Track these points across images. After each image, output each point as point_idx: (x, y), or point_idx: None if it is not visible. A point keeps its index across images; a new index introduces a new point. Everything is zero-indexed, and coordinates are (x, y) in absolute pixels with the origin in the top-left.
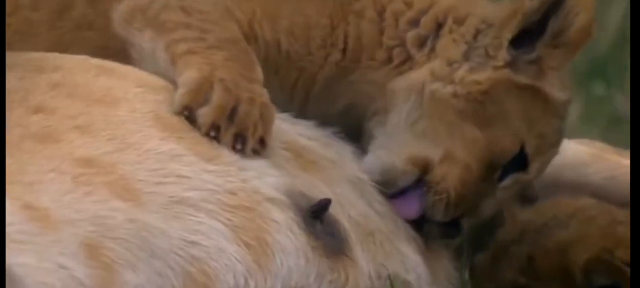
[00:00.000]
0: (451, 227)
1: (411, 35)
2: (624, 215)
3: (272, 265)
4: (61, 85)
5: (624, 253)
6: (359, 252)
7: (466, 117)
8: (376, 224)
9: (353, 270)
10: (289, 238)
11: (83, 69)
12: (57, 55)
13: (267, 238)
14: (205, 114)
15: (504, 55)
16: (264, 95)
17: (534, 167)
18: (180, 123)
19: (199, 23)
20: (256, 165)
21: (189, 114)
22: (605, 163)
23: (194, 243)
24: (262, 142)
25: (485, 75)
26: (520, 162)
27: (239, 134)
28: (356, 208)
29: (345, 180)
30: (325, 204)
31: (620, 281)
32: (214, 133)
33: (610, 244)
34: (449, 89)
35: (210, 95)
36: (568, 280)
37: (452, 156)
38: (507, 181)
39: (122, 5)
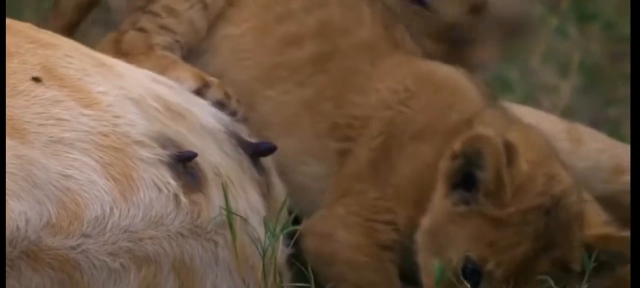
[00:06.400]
0: None
1: None
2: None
3: (135, 197)
4: None
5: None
6: (213, 189)
7: (429, 251)
8: (227, 166)
9: (206, 205)
10: (152, 175)
11: None
12: None
13: (133, 174)
14: None
15: (443, 204)
16: None
17: (494, 273)
18: (64, 73)
19: None
20: (129, 115)
21: None
22: None
23: (68, 176)
24: None
25: (431, 217)
26: (473, 272)
27: None
28: (211, 152)
29: (203, 127)
30: (191, 155)
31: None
32: None
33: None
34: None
35: None
36: None
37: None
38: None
39: None
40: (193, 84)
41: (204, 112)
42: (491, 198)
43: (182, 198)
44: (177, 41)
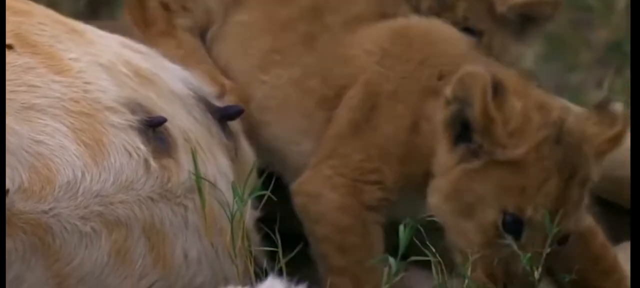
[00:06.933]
0: None
1: None
2: None
3: (106, 162)
4: None
5: None
6: (182, 154)
7: (458, 214)
8: (196, 131)
9: (176, 169)
10: (122, 140)
11: None
12: None
13: (103, 139)
14: None
15: (451, 158)
16: None
17: (535, 217)
18: (36, 40)
19: None
20: (100, 81)
21: None
22: None
23: (40, 141)
24: None
25: (447, 179)
26: (514, 223)
27: None
28: (180, 117)
29: (172, 93)
30: (161, 121)
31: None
32: None
33: None
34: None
35: None
36: None
37: (464, 254)
38: (523, 238)
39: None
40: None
41: (173, 77)
42: (486, 135)
43: (152, 163)
44: (195, 23)
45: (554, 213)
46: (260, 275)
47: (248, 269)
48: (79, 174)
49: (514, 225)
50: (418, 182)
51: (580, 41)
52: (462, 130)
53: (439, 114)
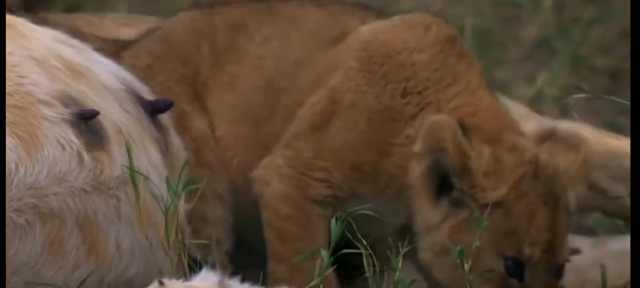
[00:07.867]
0: None
1: None
2: None
3: (40, 154)
4: None
5: None
6: (114, 147)
7: (457, 268)
8: (128, 124)
9: (108, 162)
10: (56, 133)
11: None
12: None
13: (37, 132)
14: None
15: (436, 214)
16: None
17: (534, 254)
18: None
19: None
20: (33, 74)
21: None
22: None
23: None
24: None
25: (438, 235)
26: (516, 266)
27: None
28: (112, 110)
29: (104, 86)
30: (93, 113)
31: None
32: None
33: None
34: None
35: None
36: None
37: None
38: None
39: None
40: None
41: (104, 70)
42: (465, 176)
43: (85, 155)
44: (226, 251)
45: (549, 245)
46: (194, 267)
47: (182, 261)
48: (13, 167)
49: (516, 268)
50: (370, 183)
51: (509, 37)
52: (440, 183)
53: (413, 170)
